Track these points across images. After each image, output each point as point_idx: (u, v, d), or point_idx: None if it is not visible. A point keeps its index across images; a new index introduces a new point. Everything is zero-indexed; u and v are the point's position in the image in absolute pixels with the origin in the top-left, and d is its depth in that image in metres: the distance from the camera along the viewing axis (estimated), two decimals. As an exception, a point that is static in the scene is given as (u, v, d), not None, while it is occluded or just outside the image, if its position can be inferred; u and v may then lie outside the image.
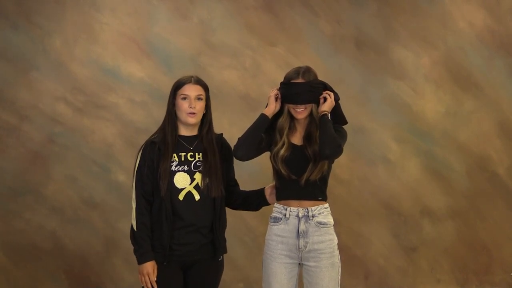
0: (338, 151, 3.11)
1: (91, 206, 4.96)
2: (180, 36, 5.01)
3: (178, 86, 3.23)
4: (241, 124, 4.91)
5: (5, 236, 4.90)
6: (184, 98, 3.21)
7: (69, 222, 4.94)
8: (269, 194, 3.35)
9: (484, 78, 5.19)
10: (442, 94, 5.19)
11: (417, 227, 5.17)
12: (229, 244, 5.06)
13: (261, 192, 3.39)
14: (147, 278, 3.14)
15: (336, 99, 3.24)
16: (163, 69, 4.89)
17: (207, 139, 3.29)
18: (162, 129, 3.26)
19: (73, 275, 4.94)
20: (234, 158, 3.29)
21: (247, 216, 4.88)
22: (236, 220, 4.98)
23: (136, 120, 4.96)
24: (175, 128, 3.25)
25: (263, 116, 3.21)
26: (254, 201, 3.40)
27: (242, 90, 5.06)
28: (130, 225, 3.19)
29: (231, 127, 4.95)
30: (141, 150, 3.23)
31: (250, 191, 3.43)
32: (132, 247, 3.21)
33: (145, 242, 3.15)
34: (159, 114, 4.76)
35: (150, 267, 3.14)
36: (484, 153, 5.20)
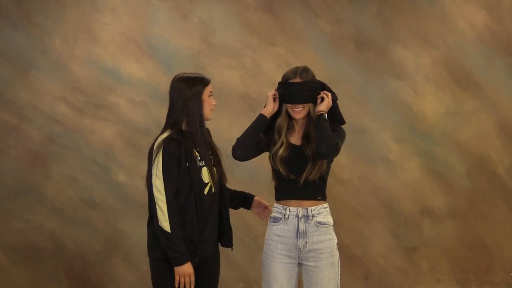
0: (334, 150, 3.11)
1: (91, 206, 4.96)
2: (180, 36, 5.01)
3: (205, 83, 3.20)
4: (241, 124, 4.91)
5: (5, 236, 4.90)
6: (211, 95, 3.22)
7: (69, 222, 4.94)
8: (255, 207, 3.38)
9: (484, 78, 5.19)
10: (442, 94, 5.19)
11: (417, 227, 5.17)
12: (229, 244, 5.07)
13: (248, 199, 3.41)
14: (188, 278, 3.08)
15: (334, 99, 3.24)
16: (163, 69, 4.89)
17: (207, 132, 3.33)
18: (180, 126, 3.16)
19: (73, 275, 4.94)
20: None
21: (247, 216, 4.88)
22: (236, 220, 4.96)
23: (136, 120, 4.96)
24: (202, 124, 3.20)
25: (261, 116, 3.22)
26: (238, 203, 3.44)
27: (242, 90, 5.06)
28: (158, 228, 3.06)
29: (231, 127, 4.95)
30: (161, 150, 3.09)
31: (237, 192, 3.45)
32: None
33: (182, 243, 3.07)
34: (159, 114, 4.78)
35: (191, 268, 3.09)
36: (484, 153, 5.20)
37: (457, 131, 5.19)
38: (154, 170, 3.07)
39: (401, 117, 5.16)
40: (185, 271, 3.07)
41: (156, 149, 3.09)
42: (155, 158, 3.07)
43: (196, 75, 3.23)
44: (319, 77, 3.30)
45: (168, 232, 3.04)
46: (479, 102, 5.19)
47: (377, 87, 5.14)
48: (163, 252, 3.11)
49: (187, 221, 3.11)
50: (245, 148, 3.19)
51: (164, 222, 3.05)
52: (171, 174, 3.07)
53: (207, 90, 3.20)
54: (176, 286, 3.08)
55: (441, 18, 5.16)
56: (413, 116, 5.17)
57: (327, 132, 3.12)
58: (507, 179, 5.22)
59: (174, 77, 3.25)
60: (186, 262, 3.07)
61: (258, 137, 3.22)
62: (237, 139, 3.22)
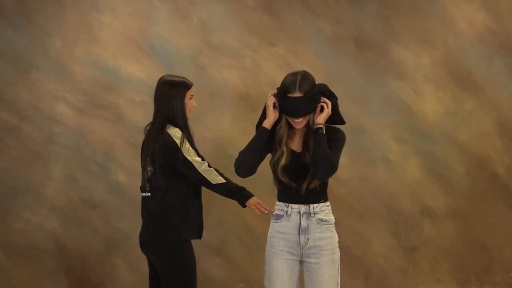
0: (331, 173, 3.12)
1: (91, 206, 4.96)
2: (180, 36, 5.01)
3: (188, 87, 3.63)
4: (241, 124, 4.93)
5: (5, 236, 4.90)
6: (191, 98, 3.64)
7: (69, 222, 4.94)
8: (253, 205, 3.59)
9: (484, 78, 5.19)
10: (442, 94, 5.19)
11: (417, 227, 5.17)
12: (229, 244, 5.08)
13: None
14: (261, 205, 3.51)
15: (334, 102, 3.22)
16: (163, 69, 4.89)
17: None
18: (177, 124, 3.56)
19: (73, 275, 4.94)
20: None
21: (247, 216, 4.89)
22: (236, 220, 4.99)
23: (136, 120, 4.95)
24: (186, 123, 3.62)
25: (263, 129, 3.19)
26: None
27: (242, 90, 5.06)
28: (216, 186, 3.52)
29: (231, 127, 4.95)
30: (184, 138, 3.51)
31: None
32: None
33: (237, 184, 3.56)
34: (159, 114, 4.76)
35: (256, 198, 3.56)
36: (484, 153, 5.20)
37: (457, 131, 5.19)
38: (187, 152, 3.50)
39: (401, 117, 5.16)
40: (255, 201, 3.53)
41: (180, 140, 3.50)
42: (182, 145, 3.49)
43: (180, 79, 3.64)
44: (319, 77, 3.30)
45: (225, 182, 3.54)
46: (479, 102, 5.19)
47: (377, 87, 5.14)
48: (190, 233, 3.55)
49: (197, 204, 3.62)
50: (249, 165, 3.19)
51: (216, 177, 3.53)
52: (199, 153, 3.56)
53: (189, 93, 3.62)
54: (258, 213, 3.52)
55: (441, 18, 5.16)
56: (413, 116, 5.17)
57: (324, 154, 3.10)
58: (507, 179, 5.22)
59: (160, 79, 3.69)
60: (251, 195, 3.56)
61: (261, 150, 3.19)
62: (240, 153, 3.20)
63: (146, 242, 3.64)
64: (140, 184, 3.83)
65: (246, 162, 3.17)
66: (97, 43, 4.96)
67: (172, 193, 3.55)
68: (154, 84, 4.95)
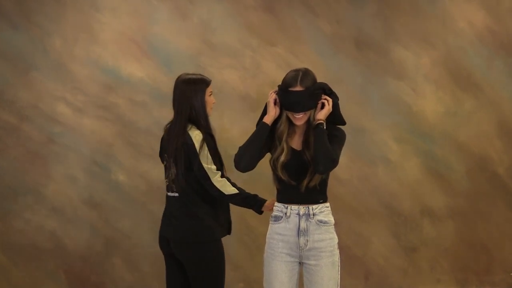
0: (332, 166, 3.10)
1: (91, 206, 4.96)
2: (180, 36, 5.01)
3: (207, 84, 3.56)
4: (241, 124, 4.93)
5: (5, 236, 4.90)
6: (211, 95, 3.58)
7: (69, 222, 4.94)
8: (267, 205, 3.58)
9: (484, 78, 5.19)
10: (442, 94, 5.19)
11: (417, 227, 5.17)
12: (229, 244, 5.08)
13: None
14: (275, 200, 3.41)
15: (334, 102, 3.22)
16: (163, 69, 4.89)
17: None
18: (199, 122, 3.51)
19: (73, 275, 4.94)
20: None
21: (247, 216, 4.88)
22: (236, 220, 4.98)
23: (136, 120, 4.96)
24: (208, 121, 3.58)
25: (263, 125, 3.18)
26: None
27: (242, 90, 5.06)
28: (229, 197, 3.49)
29: (231, 127, 4.95)
30: (203, 143, 3.48)
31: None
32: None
33: (250, 193, 3.55)
34: (159, 114, 4.78)
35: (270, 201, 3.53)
36: (484, 153, 5.20)
37: (457, 131, 5.19)
38: (204, 158, 3.46)
39: (401, 117, 5.16)
40: (269, 202, 3.49)
41: (199, 144, 3.47)
42: (200, 151, 3.46)
43: (199, 76, 3.57)
44: (319, 77, 3.29)
45: (238, 193, 3.50)
46: (479, 102, 5.20)
47: (377, 87, 5.15)
48: (221, 231, 3.57)
49: (226, 203, 3.59)
50: (249, 159, 3.15)
51: (229, 187, 3.49)
52: (217, 160, 3.53)
53: (209, 90, 3.56)
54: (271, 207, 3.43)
55: (441, 18, 5.17)
56: (413, 116, 5.17)
57: (325, 148, 3.09)
58: (507, 179, 5.22)
59: (178, 78, 3.57)
60: (264, 200, 3.54)
61: (261, 146, 3.18)
62: (240, 148, 3.18)
63: (177, 241, 3.57)
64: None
65: (246, 157, 3.16)
66: (97, 43, 4.96)
67: (200, 192, 3.52)
68: (154, 84, 4.98)
